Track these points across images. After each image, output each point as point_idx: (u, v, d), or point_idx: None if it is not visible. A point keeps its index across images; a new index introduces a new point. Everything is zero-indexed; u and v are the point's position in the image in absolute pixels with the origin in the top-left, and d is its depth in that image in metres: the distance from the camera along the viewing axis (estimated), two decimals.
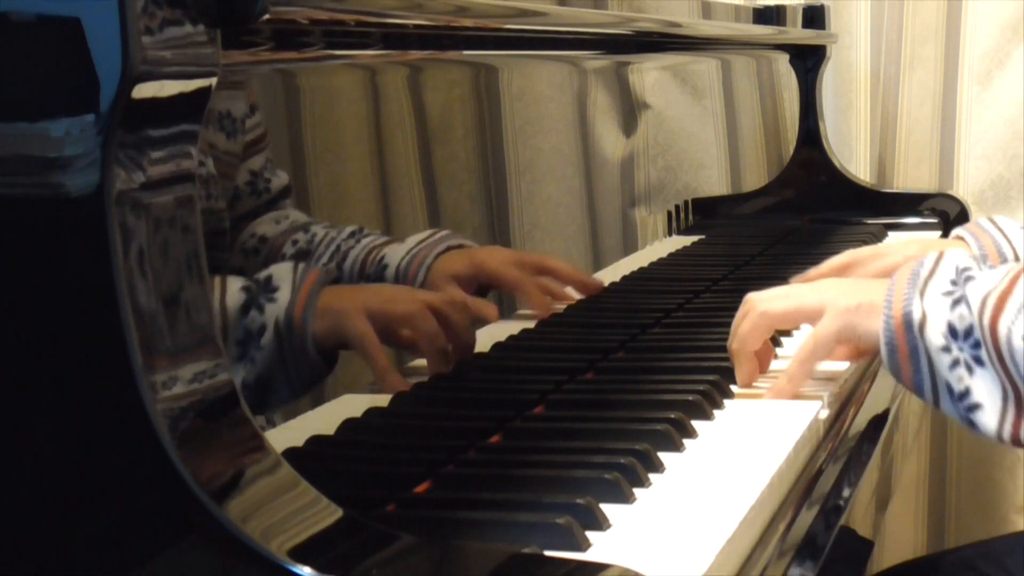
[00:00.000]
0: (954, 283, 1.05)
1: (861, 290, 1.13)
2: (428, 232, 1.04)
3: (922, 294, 1.05)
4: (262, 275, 0.83)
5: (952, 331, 1.03)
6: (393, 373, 0.97)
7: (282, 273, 0.84)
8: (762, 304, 1.18)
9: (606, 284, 1.40)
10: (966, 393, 1.03)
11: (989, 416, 1.02)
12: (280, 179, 0.86)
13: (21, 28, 0.63)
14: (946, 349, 1.03)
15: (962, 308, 1.03)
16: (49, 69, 0.63)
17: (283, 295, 0.83)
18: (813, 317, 1.15)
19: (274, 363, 0.83)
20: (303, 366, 0.86)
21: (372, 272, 0.96)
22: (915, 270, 1.07)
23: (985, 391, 1.02)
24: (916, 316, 1.05)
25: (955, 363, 1.03)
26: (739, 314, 1.20)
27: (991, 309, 1.01)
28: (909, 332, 1.05)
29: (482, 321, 1.11)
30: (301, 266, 0.86)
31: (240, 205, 0.84)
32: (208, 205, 0.79)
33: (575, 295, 1.32)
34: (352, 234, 0.93)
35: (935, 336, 1.04)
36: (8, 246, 0.64)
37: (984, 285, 1.03)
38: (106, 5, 0.61)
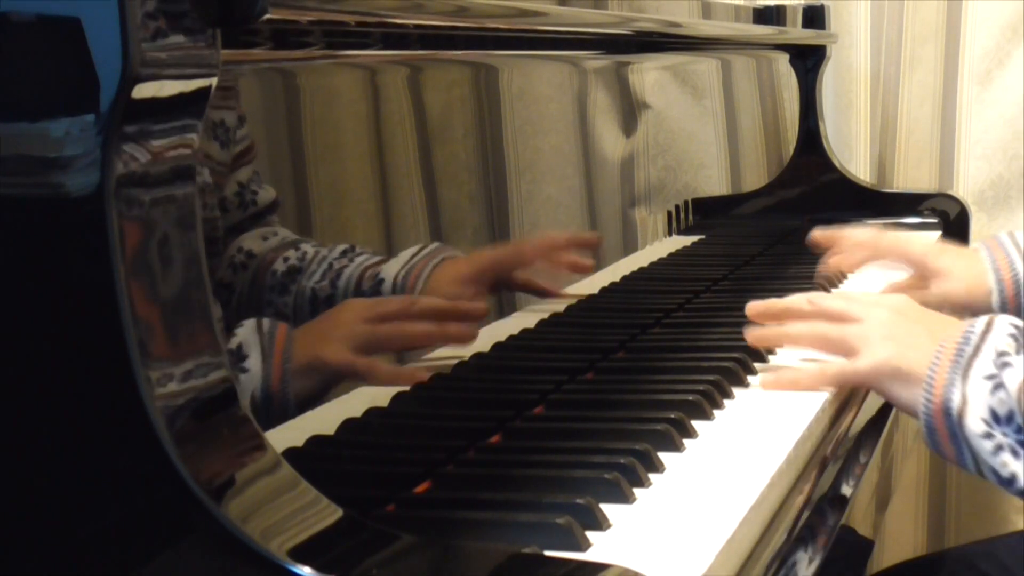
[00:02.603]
0: (996, 365, 1.05)
1: (909, 345, 1.12)
2: (419, 245, 1.03)
3: (965, 376, 1.06)
4: (234, 344, 0.81)
5: (995, 416, 1.04)
6: (396, 369, 0.97)
7: (249, 338, 0.82)
8: (817, 325, 1.20)
9: (606, 284, 1.40)
10: (1013, 479, 1.04)
11: None
12: (267, 193, 0.85)
13: (21, 28, 0.63)
14: (988, 436, 1.04)
15: (1002, 393, 1.04)
16: (49, 69, 0.63)
17: (253, 364, 0.81)
18: (849, 354, 1.17)
19: None
20: (277, 422, 0.84)
21: (368, 290, 0.95)
22: (960, 347, 1.07)
23: None
24: (955, 404, 1.05)
25: (998, 448, 1.04)
26: (795, 306, 1.23)
27: None
28: (948, 419, 1.06)
29: (476, 318, 1.11)
30: (267, 326, 0.84)
31: (228, 217, 0.83)
32: (202, 215, 0.79)
33: (583, 260, 1.33)
34: (344, 252, 0.92)
35: (975, 423, 1.04)
36: (8, 246, 0.64)
37: (1020, 371, 1.04)
38: (106, 5, 0.61)
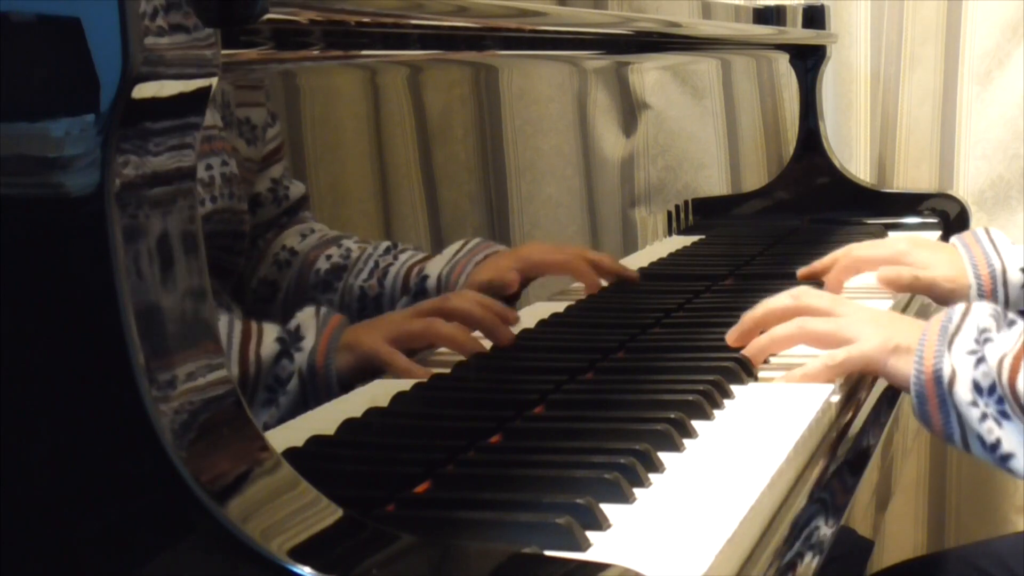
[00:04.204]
0: (977, 342, 1.11)
1: (897, 329, 1.19)
2: (462, 241, 1.06)
3: (949, 349, 1.11)
4: (292, 325, 0.86)
5: (977, 388, 1.09)
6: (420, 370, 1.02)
7: (307, 321, 0.87)
8: (807, 321, 1.23)
9: (606, 284, 1.40)
10: (997, 444, 1.09)
11: (1021, 464, 1.09)
12: (297, 188, 0.87)
13: (21, 28, 0.63)
14: (974, 404, 1.10)
15: (984, 367, 1.09)
16: (49, 69, 0.63)
17: (308, 344, 0.86)
18: (845, 344, 1.20)
19: (297, 406, 0.86)
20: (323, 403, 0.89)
21: (414, 287, 1.00)
22: (944, 324, 1.13)
23: (1014, 441, 1.09)
24: (946, 373, 1.11)
25: (984, 416, 1.09)
26: (777, 305, 1.26)
27: (1008, 370, 1.07)
28: (939, 387, 1.11)
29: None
30: (323, 312, 0.89)
31: (263, 213, 0.85)
32: (229, 205, 0.80)
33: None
34: (388, 250, 0.95)
35: (963, 392, 1.10)
36: (8, 246, 0.64)
37: (1001, 347, 1.10)
38: (106, 5, 0.61)
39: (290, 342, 0.85)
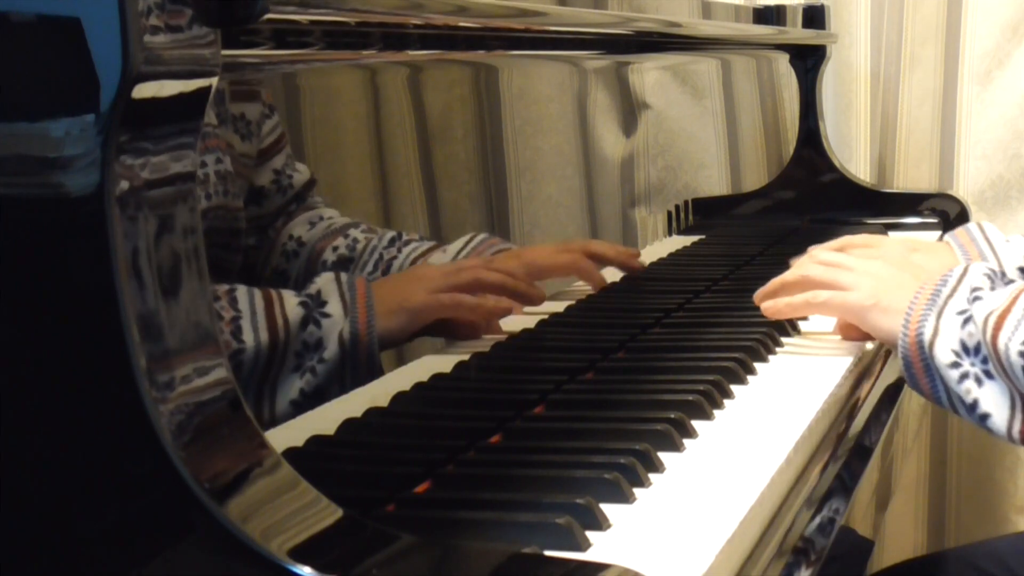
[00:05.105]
0: (968, 301, 1.13)
1: (891, 288, 1.23)
2: (467, 237, 1.06)
3: (940, 313, 1.13)
4: (312, 289, 0.86)
5: (964, 348, 1.11)
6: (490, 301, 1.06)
7: (328, 287, 0.87)
8: (809, 268, 1.30)
9: (606, 284, 1.40)
10: (975, 405, 1.11)
11: (998, 422, 1.10)
12: (302, 174, 0.87)
13: (21, 28, 0.63)
14: (955, 365, 1.11)
15: (971, 326, 1.11)
16: (49, 69, 0.63)
17: (335, 310, 0.87)
18: (837, 291, 1.26)
19: (336, 374, 0.87)
20: (367, 373, 0.91)
21: None
22: (938, 288, 1.16)
23: (992, 401, 1.10)
24: (927, 336, 1.13)
25: (963, 377, 1.11)
26: (798, 260, 1.35)
27: (992, 327, 1.09)
28: (921, 351, 1.14)
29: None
30: (344, 277, 0.89)
31: (268, 204, 0.85)
32: (224, 202, 0.80)
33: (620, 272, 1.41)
34: (392, 241, 0.95)
35: (943, 354, 1.12)
36: (8, 246, 0.64)
37: (988, 305, 1.11)
38: (106, 5, 0.61)
39: (313, 306, 0.85)
